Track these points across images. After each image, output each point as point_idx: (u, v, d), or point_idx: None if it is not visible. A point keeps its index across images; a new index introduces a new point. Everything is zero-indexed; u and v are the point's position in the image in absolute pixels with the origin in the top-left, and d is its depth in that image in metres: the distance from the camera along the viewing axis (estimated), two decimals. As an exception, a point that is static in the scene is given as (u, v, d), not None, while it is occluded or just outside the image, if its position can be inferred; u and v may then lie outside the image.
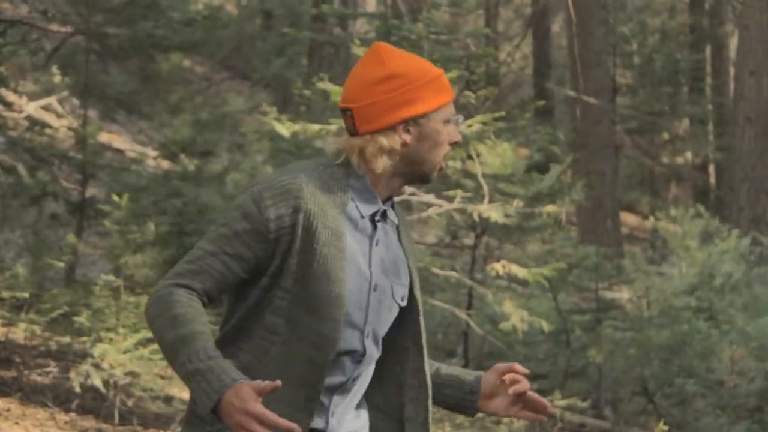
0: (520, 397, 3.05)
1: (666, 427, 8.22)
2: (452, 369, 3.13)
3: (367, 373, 2.99)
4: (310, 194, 2.85)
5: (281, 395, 2.81)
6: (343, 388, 2.94)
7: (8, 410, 6.76)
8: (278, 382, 2.66)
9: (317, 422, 2.91)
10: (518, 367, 3.04)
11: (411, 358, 3.02)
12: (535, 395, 3.05)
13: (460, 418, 8.61)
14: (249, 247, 2.84)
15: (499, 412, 3.07)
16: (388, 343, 3.02)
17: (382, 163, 2.91)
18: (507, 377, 3.04)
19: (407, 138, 2.92)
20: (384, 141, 2.91)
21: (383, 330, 2.97)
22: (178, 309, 2.78)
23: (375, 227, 2.95)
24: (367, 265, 2.92)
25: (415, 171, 2.96)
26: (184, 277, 2.84)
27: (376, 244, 2.95)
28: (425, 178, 2.98)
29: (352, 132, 2.94)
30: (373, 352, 2.96)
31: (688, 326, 10.95)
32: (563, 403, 9.15)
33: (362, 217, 2.93)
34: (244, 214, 2.85)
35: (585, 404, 9.54)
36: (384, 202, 2.97)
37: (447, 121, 2.96)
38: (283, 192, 2.85)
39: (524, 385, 3.02)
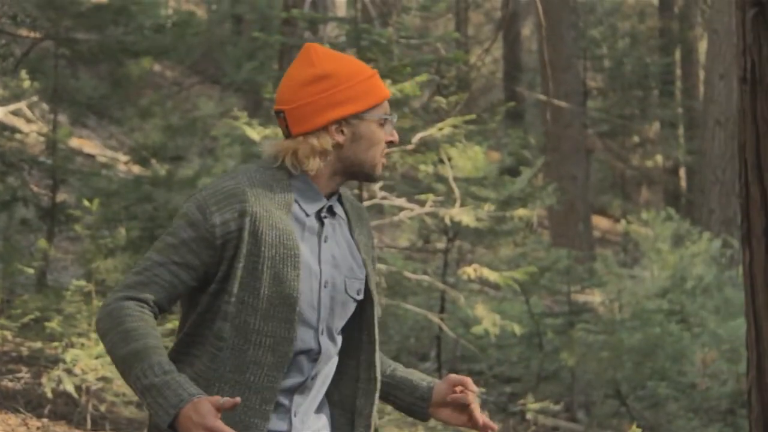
0: (466, 408, 3.05)
1: (639, 430, 8.24)
2: (408, 372, 3.14)
3: (327, 371, 2.99)
4: (255, 197, 2.85)
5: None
6: (302, 388, 2.94)
7: (-21, 417, 6.72)
8: (238, 399, 2.68)
9: (279, 425, 2.92)
10: (469, 382, 3.05)
11: (364, 351, 3.03)
12: (477, 413, 3.04)
13: (433, 422, 8.61)
14: (196, 255, 2.84)
15: (450, 421, 3.08)
16: (344, 338, 3.03)
17: (315, 165, 2.91)
18: (457, 390, 3.05)
19: (340, 138, 2.91)
20: (315, 142, 2.90)
21: (338, 326, 2.98)
22: (130, 323, 2.79)
23: (322, 224, 2.95)
24: (316, 262, 2.92)
25: (355, 171, 2.95)
26: (133, 289, 2.84)
27: (325, 241, 2.95)
28: (368, 177, 2.97)
29: (286, 134, 2.94)
30: (329, 349, 2.96)
31: (660, 329, 11.00)
32: (536, 406, 9.17)
33: (308, 215, 2.93)
34: (189, 222, 2.85)
35: (558, 407, 9.57)
36: (329, 198, 2.97)
37: (382, 121, 2.95)
38: (227, 197, 2.85)
39: (467, 398, 3.03)
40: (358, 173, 2.96)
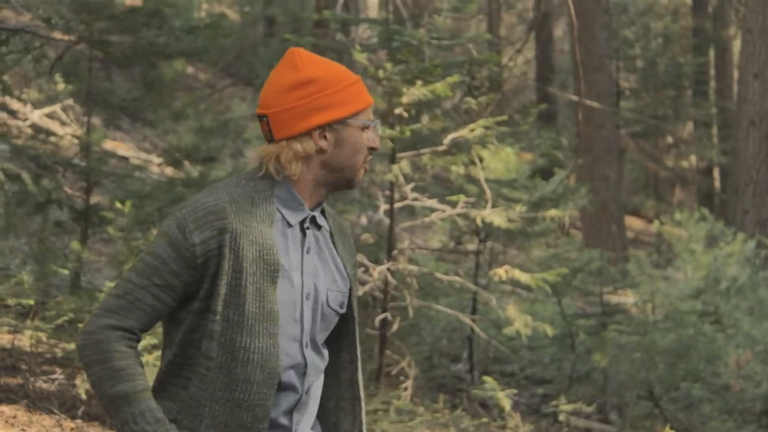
0: None
1: None
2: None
3: (316, 386, 2.98)
4: (234, 213, 2.83)
5: (228, 420, 2.81)
6: (299, 405, 2.93)
7: (15, 417, 6.77)
8: None
9: None
10: None
11: (346, 370, 3.02)
12: None
13: (465, 423, 8.61)
14: (177, 276, 2.82)
15: None
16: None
17: (297, 169, 2.89)
18: None
19: (323, 144, 2.90)
20: (299, 147, 2.89)
21: (321, 338, 2.95)
22: (118, 361, 2.78)
23: (305, 235, 2.93)
24: (299, 274, 2.90)
25: (337, 178, 2.94)
26: (116, 315, 2.81)
27: (308, 252, 2.93)
28: (348, 184, 2.95)
29: (269, 138, 2.92)
30: (315, 361, 2.94)
31: (694, 330, 10.95)
32: (569, 407, 9.14)
33: (290, 226, 2.91)
34: (169, 242, 2.82)
35: (590, 409, 9.54)
36: (313, 210, 2.95)
37: (365, 127, 2.94)
38: (206, 214, 2.82)
39: None
40: (339, 180, 2.94)
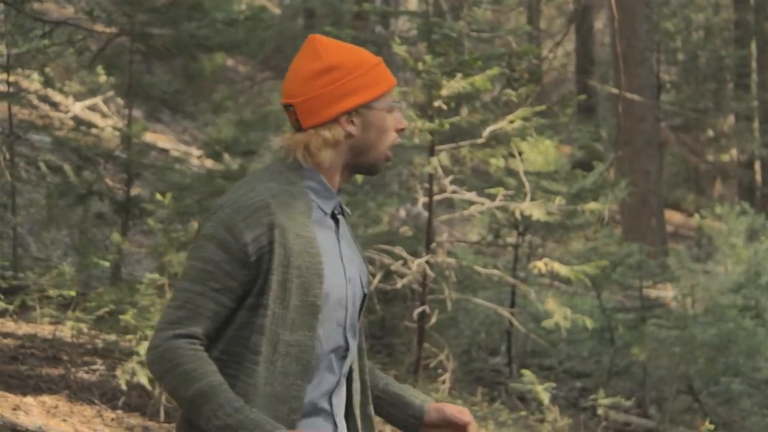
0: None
1: (712, 426, 8.18)
2: (401, 388, 3.13)
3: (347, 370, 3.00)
4: (278, 207, 2.83)
5: (269, 414, 2.82)
6: (338, 388, 2.95)
7: (56, 407, 6.83)
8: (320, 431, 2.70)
9: (327, 429, 2.92)
10: (466, 413, 3.05)
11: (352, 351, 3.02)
12: None
13: (503, 416, 8.60)
14: (233, 277, 2.81)
15: None
16: None
17: (328, 156, 2.90)
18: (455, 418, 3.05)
19: (351, 129, 2.91)
20: (328, 134, 2.89)
21: (357, 320, 2.98)
22: (189, 363, 2.78)
23: (336, 221, 2.96)
24: (339, 260, 2.92)
25: (362, 162, 2.94)
26: (180, 326, 2.81)
27: (342, 238, 2.96)
28: (373, 169, 2.96)
29: (297, 128, 2.93)
30: (353, 345, 2.96)
31: (734, 324, 10.88)
32: (607, 401, 9.12)
33: (325, 214, 2.93)
34: (219, 245, 2.81)
35: (629, 403, 9.50)
36: (338, 194, 2.97)
37: (390, 109, 2.95)
38: (253, 212, 2.82)
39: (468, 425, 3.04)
40: (364, 164, 2.95)
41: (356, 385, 3.02)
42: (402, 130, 2.97)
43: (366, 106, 2.91)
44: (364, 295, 3.01)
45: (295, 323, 2.84)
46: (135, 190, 9.02)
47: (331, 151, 2.90)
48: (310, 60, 2.93)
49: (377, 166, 2.96)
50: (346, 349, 2.94)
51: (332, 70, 2.90)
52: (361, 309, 3.01)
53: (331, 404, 2.93)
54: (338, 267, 2.91)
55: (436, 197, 8.85)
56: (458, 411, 3.05)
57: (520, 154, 9.01)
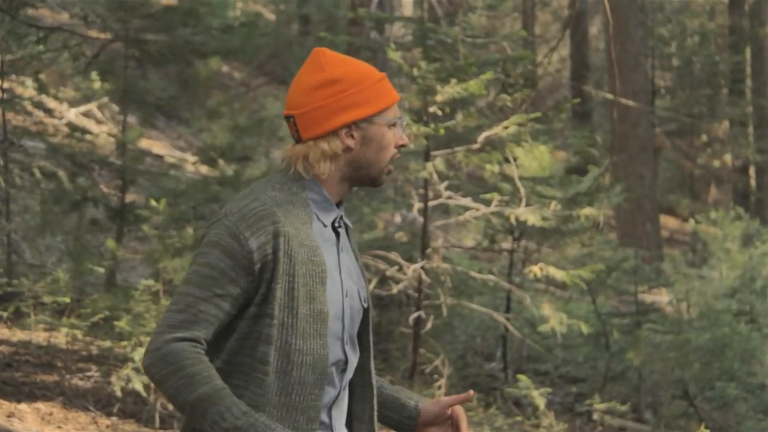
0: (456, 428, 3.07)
1: (707, 431, 8.18)
2: (396, 390, 3.14)
3: (348, 382, 3.00)
4: (283, 216, 2.84)
5: (285, 424, 2.82)
6: (337, 401, 2.95)
7: (50, 414, 6.82)
8: None
9: None
10: (462, 404, 3.06)
11: (359, 356, 3.03)
12: None
13: (499, 422, 8.60)
14: (236, 284, 2.81)
15: None
16: None
17: (326, 169, 2.90)
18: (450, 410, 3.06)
19: (350, 142, 2.91)
20: (326, 146, 2.89)
21: (355, 333, 2.98)
22: (193, 366, 2.76)
23: (337, 234, 2.96)
24: (338, 273, 2.92)
25: (362, 175, 2.94)
26: (180, 329, 2.79)
27: (342, 251, 2.96)
28: (374, 182, 2.96)
29: (297, 139, 2.93)
30: (352, 358, 2.96)
31: (729, 329, 10.89)
32: (603, 406, 9.12)
33: (326, 226, 2.93)
34: (224, 251, 2.81)
35: (625, 408, 9.50)
36: (338, 206, 2.97)
37: (392, 125, 2.95)
38: (258, 220, 2.82)
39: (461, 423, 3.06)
40: (365, 177, 2.95)
41: (360, 405, 3.02)
42: (404, 146, 2.97)
43: (366, 121, 2.91)
44: (365, 310, 3.01)
45: (306, 332, 2.84)
46: (130, 197, 9.02)
47: (329, 164, 2.91)
48: (313, 72, 2.93)
49: (378, 180, 2.96)
50: (346, 362, 2.94)
51: (334, 82, 2.90)
52: (363, 324, 3.01)
53: (330, 417, 2.93)
54: (336, 280, 2.91)
55: (432, 203, 8.85)
56: (455, 399, 3.06)
57: (515, 159, 9.02)
